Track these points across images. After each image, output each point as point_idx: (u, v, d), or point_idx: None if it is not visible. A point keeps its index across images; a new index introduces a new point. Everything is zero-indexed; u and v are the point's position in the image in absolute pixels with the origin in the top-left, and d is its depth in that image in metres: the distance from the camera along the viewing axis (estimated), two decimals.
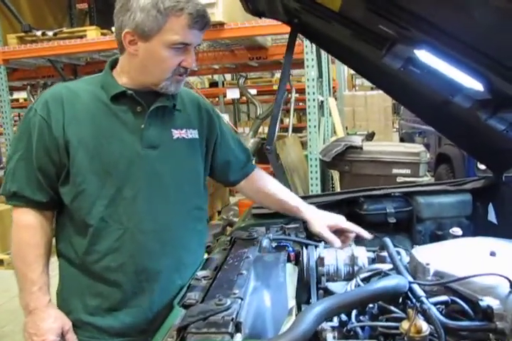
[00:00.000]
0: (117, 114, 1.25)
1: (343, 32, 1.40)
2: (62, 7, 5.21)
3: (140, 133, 1.25)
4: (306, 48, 3.50)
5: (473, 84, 1.14)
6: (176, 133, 1.31)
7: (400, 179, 3.63)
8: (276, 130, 1.68)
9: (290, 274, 1.38)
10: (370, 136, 6.44)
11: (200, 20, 1.19)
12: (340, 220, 1.48)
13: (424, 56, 1.12)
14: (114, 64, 1.31)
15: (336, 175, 4.66)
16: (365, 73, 1.75)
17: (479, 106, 1.29)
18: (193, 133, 1.35)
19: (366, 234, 1.49)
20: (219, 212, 5.95)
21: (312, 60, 3.52)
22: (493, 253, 1.16)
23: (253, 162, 1.56)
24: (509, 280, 1.00)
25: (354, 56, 1.55)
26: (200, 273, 1.29)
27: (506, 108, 1.18)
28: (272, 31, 3.66)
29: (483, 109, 1.27)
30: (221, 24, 3.61)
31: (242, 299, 1.08)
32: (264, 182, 1.53)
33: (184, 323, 0.98)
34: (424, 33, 1.03)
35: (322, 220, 1.45)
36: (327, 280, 1.50)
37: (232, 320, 0.97)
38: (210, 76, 10.41)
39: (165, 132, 1.30)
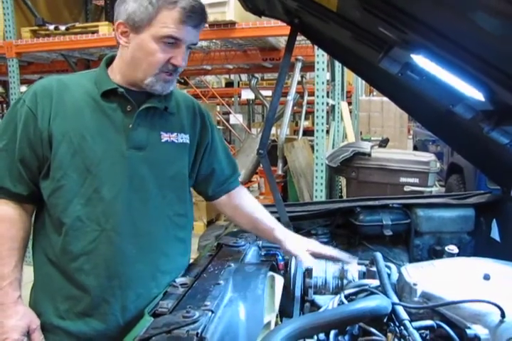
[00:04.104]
0: (106, 111, 1.21)
1: (342, 33, 1.33)
2: (78, 2, 5.22)
3: (127, 132, 1.21)
4: (318, 51, 3.43)
5: (474, 94, 1.06)
6: (165, 137, 1.27)
7: (407, 188, 3.53)
8: (270, 134, 1.60)
9: (273, 286, 1.32)
10: (384, 142, 6.33)
11: (194, 16, 1.14)
12: (313, 245, 1.42)
13: (422, 61, 1.05)
14: (111, 60, 1.28)
15: (344, 181, 4.57)
16: (366, 76, 1.67)
17: (483, 117, 1.21)
18: (183, 138, 1.30)
19: (343, 256, 1.42)
20: None
21: (323, 62, 3.45)
22: (487, 277, 1.08)
23: (239, 179, 1.50)
24: (500, 309, 0.92)
25: (354, 58, 1.48)
26: (179, 280, 1.25)
27: (509, 120, 1.09)
28: (284, 32, 3.58)
29: (486, 121, 1.18)
30: (232, 23, 3.56)
31: (212, 312, 1.02)
32: (244, 200, 1.46)
33: (146, 336, 0.93)
34: (421, 37, 0.96)
35: (297, 241, 1.40)
36: (314, 293, 1.44)
37: (197, 334, 0.92)
38: (227, 76, 10.40)
39: (153, 134, 1.25)
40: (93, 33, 4.15)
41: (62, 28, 4.22)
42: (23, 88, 5.57)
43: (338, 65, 4.98)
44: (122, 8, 1.17)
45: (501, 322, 0.92)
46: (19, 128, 1.18)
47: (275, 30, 3.59)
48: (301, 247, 1.37)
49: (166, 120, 1.28)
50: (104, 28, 4.07)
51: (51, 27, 4.27)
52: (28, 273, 1.27)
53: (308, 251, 1.37)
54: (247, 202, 1.46)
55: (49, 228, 1.23)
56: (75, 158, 1.17)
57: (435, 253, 1.76)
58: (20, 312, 1.18)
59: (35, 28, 4.36)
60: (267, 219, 1.43)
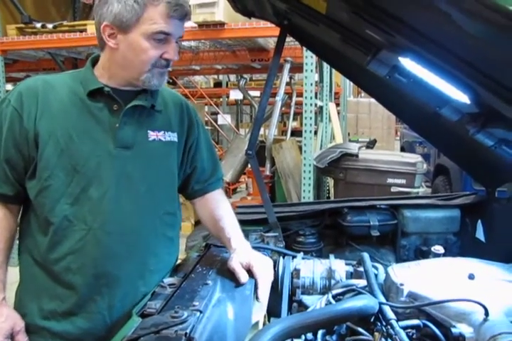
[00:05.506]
0: (92, 110, 1.21)
1: (331, 35, 1.34)
2: (66, 0, 5.15)
3: (114, 132, 1.20)
4: (306, 52, 3.45)
5: (460, 97, 1.08)
6: (152, 135, 1.27)
7: (394, 189, 3.57)
8: (259, 134, 1.61)
9: None
10: (371, 144, 6.38)
11: (179, 8, 1.15)
12: (256, 263, 1.28)
13: (410, 64, 1.06)
14: (96, 60, 1.28)
15: (331, 182, 4.60)
16: (354, 78, 1.69)
17: (469, 119, 1.23)
18: (171, 136, 1.30)
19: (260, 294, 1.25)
20: None
21: (312, 64, 3.46)
22: (471, 276, 1.10)
23: (225, 179, 1.48)
24: (484, 307, 0.94)
25: (343, 60, 1.49)
26: (167, 280, 1.25)
27: (494, 123, 1.11)
28: (273, 33, 3.59)
29: (472, 123, 1.21)
30: (221, 24, 3.56)
31: (201, 312, 1.02)
32: (217, 205, 1.42)
33: (134, 336, 0.93)
34: (409, 40, 0.98)
35: (239, 257, 1.29)
36: (302, 293, 1.45)
37: (186, 334, 0.92)
38: (215, 76, 10.39)
39: (140, 132, 1.25)
40: (81, 31, 4.10)
41: (50, 26, 4.17)
42: (9, 86, 5.48)
43: (326, 66, 5.00)
44: (105, 9, 1.16)
45: (485, 320, 0.94)
46: (4, 128, 1.18)
47: (264, 31, 3.60)
48: (237, 263, 1.27)
49: (153, 118, 1.28)
50: (92, 27, 4.02)
51: (38, 25, 4.21)
52: (14, 274, 1.26)
53: (244, 268, 1.26)
54: (219, 210, 1.41)
55: (35, 228, 1.22)
56: (62, 158, 1.17)
57: (421, 253, 1.78)
58: (4, 314, 1.17)
59: (22, 25, 4.29)
60: (229, 228, 1.37)
